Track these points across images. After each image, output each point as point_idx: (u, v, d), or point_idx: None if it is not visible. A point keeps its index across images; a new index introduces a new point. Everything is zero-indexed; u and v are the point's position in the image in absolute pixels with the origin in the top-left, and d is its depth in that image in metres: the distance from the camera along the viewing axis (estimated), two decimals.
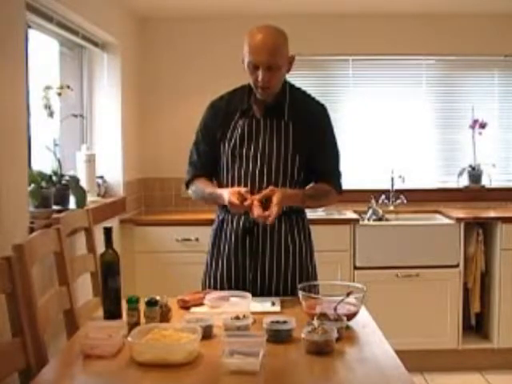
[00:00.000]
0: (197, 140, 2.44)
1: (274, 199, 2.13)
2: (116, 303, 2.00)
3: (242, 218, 2.33)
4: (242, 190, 2.18)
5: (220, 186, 2.38)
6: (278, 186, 2.27)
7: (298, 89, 2.40)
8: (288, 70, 2.29)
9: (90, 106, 3.76)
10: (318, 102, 2.40)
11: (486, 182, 4.32)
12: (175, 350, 1.64)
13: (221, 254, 2.37)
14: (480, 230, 3.82)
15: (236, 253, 2.33)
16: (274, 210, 2.12)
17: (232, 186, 2.31)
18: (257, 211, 2.12)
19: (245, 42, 2.23)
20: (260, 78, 2.19)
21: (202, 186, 2.38)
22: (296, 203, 2.30)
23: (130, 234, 3.78)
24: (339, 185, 2.42)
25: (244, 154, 2.30)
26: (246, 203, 2.13)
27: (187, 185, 2.47)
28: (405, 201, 4.17)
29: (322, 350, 1.69)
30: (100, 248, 2.13)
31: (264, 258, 2.31)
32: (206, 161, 2.41)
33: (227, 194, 2.19)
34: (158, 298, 1.94)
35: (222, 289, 2.33)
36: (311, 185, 2.40)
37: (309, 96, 2.41)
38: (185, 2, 3.89)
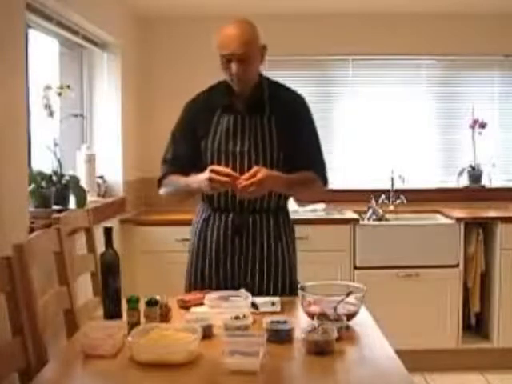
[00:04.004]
0: (173, 140, 2.43)
1: (259, 174, 2.11)
2: (116, 303, 2.00)
3: (230, 215, 2.32)
4: (223, 169, 2.15)
5: None
6: None
7: (275, 82, 2.41)
8: (262, 61, 2.30)
9: (90, 106, 3.75)
10: (295, 93, 2.41)
11: (486, 181, 4.32)
12: (175, 350, 1.64)
13: (207, 253, 2.35)
14: (480, 230, 3.81)
15: (226, 251, 2.32)
16: (258, 176, 2.10)
17: None
18: (241, 185, 2.10)
19: (214, 40, 2.24)
20: (234, 70, 2.20)
21: (176, 178, 2.35)
22: (281, 185, 2.25)
23: (130, 233, 3.78)
24: (325, 176, 2.38)
25: (230, 150, 2.29)
26: (226, 179, 2.11)
27: (159, 182, 2.43)
28: (405, 201, 4.16)
29: (322, 350, 1.69)
30: (100, 248, 2.13)
31: (254, 257, 2.31)
32: (183, 159, 2.38)
33: (207, 171, 2.15)
34: (158, 297, 1.94)
35: (209, 287, 2.31)
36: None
37: (286, 88, 2.41)
38: (185, 2, 3.89)
